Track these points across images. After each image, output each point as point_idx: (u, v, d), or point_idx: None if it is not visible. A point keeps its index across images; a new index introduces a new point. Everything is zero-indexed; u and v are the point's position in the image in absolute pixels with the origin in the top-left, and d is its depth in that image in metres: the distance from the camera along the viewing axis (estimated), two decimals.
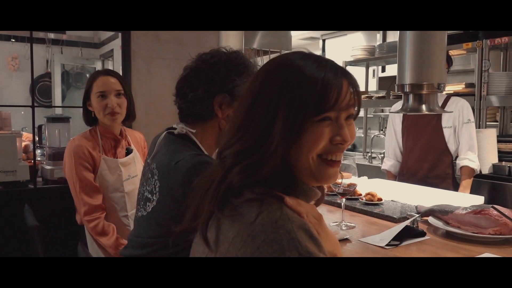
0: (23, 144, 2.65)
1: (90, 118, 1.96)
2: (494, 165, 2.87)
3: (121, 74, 2.73)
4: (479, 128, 2.97)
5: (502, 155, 2.94)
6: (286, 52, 0.81)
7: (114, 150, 1.98)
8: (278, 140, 0.72)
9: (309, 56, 0.78)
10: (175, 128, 1.31)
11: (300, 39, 5.70)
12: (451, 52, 3.32)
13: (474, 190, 2.53)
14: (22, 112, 4.45)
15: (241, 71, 1.25)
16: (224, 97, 1.24)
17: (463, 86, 3.21)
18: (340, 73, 0.76)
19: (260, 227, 0.65)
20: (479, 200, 1.96)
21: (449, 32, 1.60)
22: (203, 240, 0.74)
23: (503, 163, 2.87)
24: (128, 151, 2.00)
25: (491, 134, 2.91)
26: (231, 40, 2.79)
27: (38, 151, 2.84)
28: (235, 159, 0.75)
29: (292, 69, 0.75)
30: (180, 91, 1.31)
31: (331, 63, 0.78)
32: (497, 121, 3.38)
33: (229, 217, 0.70)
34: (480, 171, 2.89)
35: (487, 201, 1.99)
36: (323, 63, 0.77)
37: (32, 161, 2.54)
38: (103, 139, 1.93)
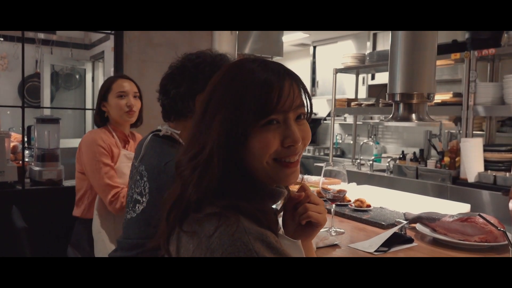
0: (12, 144, 2.63)
1: (102, 119, 2.05)
2: (480, 174, 2.93)
3: (111, 75, 2.74)
4: (465, 137, 3.02)
5: (488, 164, 2.99)
6: (238, 59, 0.81)
7: (126, 149, 2.04)
8: (213, 144, 0.72)
9: (255, 60, 0.77)
10: (160, 130, 1.32)
11: (291, 45, 5.73)
12: (440, 62, 3.38)
13: (460, 198, 2.57)
14: (8, 112, 4.40)
15: None
16: None
17: (451, 95, 3.27)
18: (282, 74, 0.75)
19: (217, 240, 0.65)
20: (465, 208, 1.99)
21: (437, 42, 1.63)
22: (166, 253, 0.75)
23: (489, 172, 2.93)
24: None
25: (477, 144, 2.97)
26: (223, 44, 2.81)
27: (26, 152, 2.81)
28: (188, 168, 0.74)
29: (237, 74, 0.75)
30: (163, 87, 1.33)
31: (274, 65, 0.77)
32: (483, 131, 3.44)
33: (188, 233, 0.70)
34: (466, 180, 2.95)
35: (473, 209, 2.02)
36: (266, 65, 0.76)
37: (21, 162, 2.51)
38: (116, 137, 2.01)
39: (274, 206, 0.87)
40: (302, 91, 0.77)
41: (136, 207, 1.30)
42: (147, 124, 2.05)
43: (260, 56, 0.81)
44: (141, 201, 1.29)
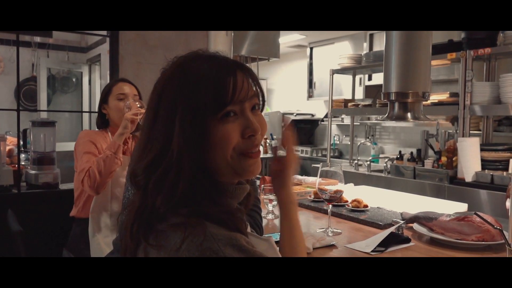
0: (7, 148, 2.62)
1: (103, 121, 2.07)
2: (477, 173, 2.93)
3: (108, 78, 2.73)
4: (462, 136, 3.02)
5: (485, 163, 3.00)
6: (180, 56, 0.78)
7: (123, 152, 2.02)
8: (178, 146, 0.70)
9: (200, 56, 0.76)
10: None
11: (287, 47, 5.74)
12: (436, 62, 3.39)
13: (458, 198, 2.57)
14: (6, 116, 4.39)
15: None
16: None
17: (447, 95, 3.27)
18: (232, 66, 0.74)
19: (186, 253, 0.63)
20: (462, 207, 1.99)
21: (433, 42, 1.63)
22: None
23: (486, 171, 2.93)
24: None
25: (474, 143, 2.97)
26: (219, 46, 2.80)
27: (22, 156, 2.79)
28: (144, 175, 0.72)
29: (185, 72, 0.73)
30: None
31: (221, 58, 0.76)
32: (480, 130, 3.44)
33: (155, 246, 0.68)
34: (464, 179, 2.95)
35: (470, 209, 2.02)
36: (214, 59, 0.75)
37: (16, 165, 2.50)
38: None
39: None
40: (253, 82, 0.77)
41: None
42: None
43: (264, 58, 0.80)
44: None
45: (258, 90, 0.78)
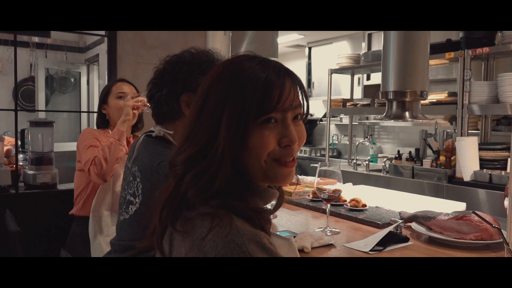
0: (5, 148, 2.61)
1: (103, 121, 2.08)
2: (475, 172, 2.93)
3: (106, 78, 2.73)
4: (460, 136, 3.02)
5: (483, 162, 3.00)
6: (234, 55, 0.80)
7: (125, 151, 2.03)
8: (223, 144, 0.70)
9: (254, 58, 0.77)
10: (153, 131, 1.32)
11: (286, 47, 5.74)
12: (434, 62, 3.39)
13: (456, 197, 2.57)
14: (4, 116, 4.38)
15: (205, 69, 1.27)
16: (190, 96, 1.26)
17: (446, 95, 3.27)
18: (283, 73, 0.75)
19: (211, 242, 0.64)
20: (461, 206, 1.99)
21: (431, 42, 1.63)
22: (160, 253, 0.74)
23: (484, 170, 2.93)
24: None
25: (472, 142, 2.97)
26: (217, 46, 2.80)
27: (20, 156, 2.79)
28: (184, 166, 0.73)
29: (237, 72, 0.74)
30: (149, 92, 1.35)
31: (274, 64, 0.76)
32: (478, 129, 3.44)
33: (181, 232, 0.69)
34: (462, 179, 2.95)
35: (468, 208, 2.02)
36: (266, 64, 0.75)
37: (14, 165, 2.50)
38: None
39: (269, 206, 0.86)
40: (300, 91, 0.77)
41: (129, 209, 1.30)
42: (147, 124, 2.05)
43: (258, 54, 0.79)
44: (134, 202, 1.28)
45: (304, 101, 0.78)
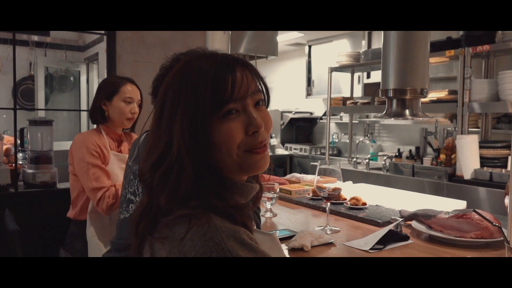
0: (4, 147, 2.60)
1: (103, 116, 2.01)
2: (476, 170, 2.92)
3: (105, 77, 2.72)
4: (461, 134, 3.02)
5: (483, 160, 2.99)
6: (181, 53, 0.80)
7: (119, 150, 2.01)
8: (179, 144, 0.70)
9: (202, 56, 0.76)
10: None
11: (286, 45, 5.73)
12: (435, 60, 3.38)
13: (457, 195, 2.56)
14: (4, 116, 4.38)
15: None
16: None
17: (446, 93, 3.26)
18: (231, 63, 0.74)
19: (189, 242, 0.64)
20: (461, 204, 1.98)
21: (431, 39, 1.62)
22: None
23: (485, 168, 2.92)
24: None
25: (473, 140, 2.96)
26: (217, 44, 2.79)
27: (19, 155, 2.78)
28: (151, 173, 0.72)
29: (187, 72, 0.74)
30: (154, 90, 1.34)
31: (221, 56, 0.76)
32: (479, 128, 3.44)
33: (160, 239, 0.68)
34: (463, 177, 2.94)
35: (469, 206, 2.02)
36: (213, 58, 0.75)
37: (14, 164, 2.49)
38: (107, 139, 1.99)
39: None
40: (255, 77, 0.76)
41: (130, 207, 1.30)
42: (140, 125, 2.04)
43: (262, 56, 0.78)
44: (135, 200, 1.28)
45: (262, 85, 0.77)
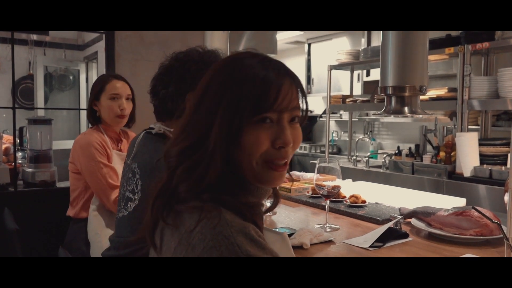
0: (4, 146, 2.60)
1: (95, 118, 2.02)
2: (475, 168, 2.92)
3: None
4: (460, 131, 3.02)
5: (483, 158, 2.99)
6: (235, 52, 0.79)
7: (119, 149, 2.02)
8: (215, 141, 0.70)
9: (256, 56, 0.76)
10: (153, 128, 1.31)
11: (285, 43, 5.72)
12: (434, 57, 3.37)
13: (456, 193, 2.56)
14: (4, 115, 4.37)
15: None
16: None
17: (446, 90, 3.26)
18: (282, 73, 0.74)
19: (199, 235, 0.64)
20: (461, 202, 1.98)
21: (431, 37, 1.62)
22: (152, 246, 0.74)
23: (484, 166, 2.92)
24: None
25: (472, 138, 2.96)
26: (216, 43, 2.79)
27: (19, 154, 2.78)
28: (178, 159, 0.73)
29: (237, 68, 0.73)
30: (153, 88, 1.33)
31: (275, 62, 0.75)
32: (478, 125, 3.43)
33: (170, 226, 0.69)
34: (462, 174, 2.94)
35: (469, 203, 2.01)
36: (267, 62, 0.74)
37: (13, 163, 2.49)
38: (107, 137, 1.99)
39: (268, 203, 0.86)
40: (300, 93, 0.76)
41: (128, 205, 1.29)
42: (139, 123, 2.03)
43: (261, 53, 0.78)
44: (133, 199, 1.28)
45: (303, 103, 0.77)
